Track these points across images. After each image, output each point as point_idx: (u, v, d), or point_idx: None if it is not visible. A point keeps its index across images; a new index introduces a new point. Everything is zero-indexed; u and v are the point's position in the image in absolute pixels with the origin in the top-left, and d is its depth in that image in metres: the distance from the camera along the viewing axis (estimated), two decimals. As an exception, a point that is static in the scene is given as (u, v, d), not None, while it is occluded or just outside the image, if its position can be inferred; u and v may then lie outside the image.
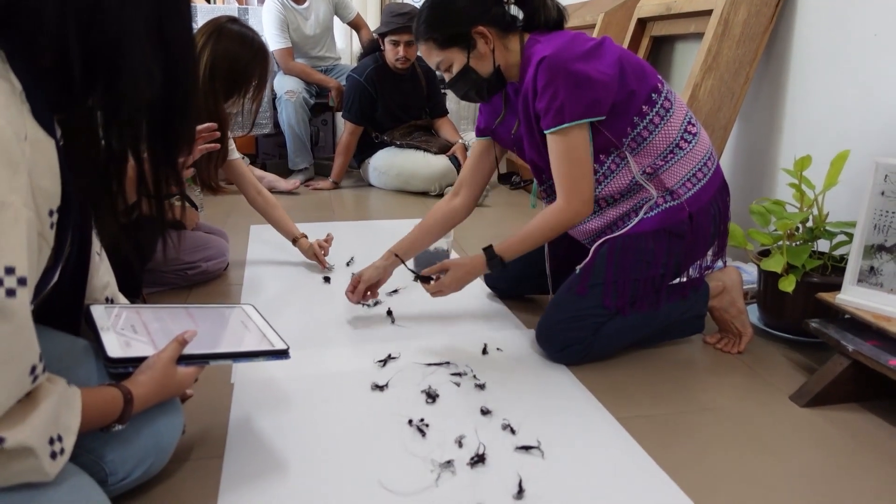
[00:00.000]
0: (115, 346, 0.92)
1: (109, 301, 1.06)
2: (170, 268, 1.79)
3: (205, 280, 1.89)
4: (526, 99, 1.43)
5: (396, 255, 1.66)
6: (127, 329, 0.99)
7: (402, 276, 1.98)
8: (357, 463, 1.08)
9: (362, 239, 2.43)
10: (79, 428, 0.77)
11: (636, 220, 1.45)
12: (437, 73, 3.66)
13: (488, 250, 1.48)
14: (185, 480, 1.03)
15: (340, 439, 1.15)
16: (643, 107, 1.41)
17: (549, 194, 1.61)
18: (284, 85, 3.39)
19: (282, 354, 1.05)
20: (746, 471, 1.11)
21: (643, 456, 1.13)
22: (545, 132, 1.40)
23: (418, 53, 3.24)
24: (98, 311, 0.99)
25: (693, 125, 1.47)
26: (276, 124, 3.50)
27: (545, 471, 1.08)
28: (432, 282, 1.54)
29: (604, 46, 1.39)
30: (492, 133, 1.64)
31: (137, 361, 0.92)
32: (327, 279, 1.95)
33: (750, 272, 1.87)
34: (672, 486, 1.05)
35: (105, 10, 0.72)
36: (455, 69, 1.46)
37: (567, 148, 1.38)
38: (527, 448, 1.13)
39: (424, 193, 3.20)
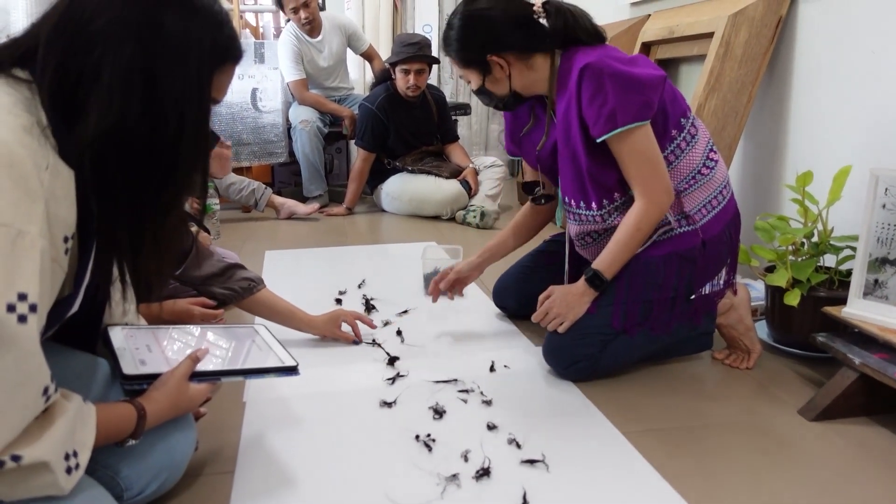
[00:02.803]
0: (129, 364, 0.96)
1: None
2: (187, 292, 1.83)
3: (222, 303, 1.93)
4: (568, 108, 1.40)
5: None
6: (142, 348, 1.03)
7: (412, 296, 2.02)
8: (364, 477, 1.10)
9: (375, 262, 2.47)
10: (94, 443, 0.80)
11: (648, 243, 1.46)
12: (449, 99, 3.77)
13: (587, 270, 1.45)
14: (197, 495, 1.06)
15: (348, 455, 1.17)
16: (672, 130, 1.43)
17: (571, 216, 1.56)
18: (299, 115, 3.47)
19: (291, 371, 1.09)
20: (754, 484, 1.11)
21: (649, 469, 1.14)
22: (598, 140, 1.36)
23: (428, 81, 3.32)
24: (115, 332, 1.04)
25: (714, 152, 1.50)
26: (292, 153, 3.59)
27: (550, 484, 1.09)
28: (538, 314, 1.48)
29: (647, 61, 1.42)
30: (518, 146, 1.66)
31: (152, 378, 0.96)
32: (339, 301, 1.99)
33: (758, 289, 1.87)
34: (678, 498, 1.06)
35: (88, 39, 0.76)
36: (473, 86, 1.52)
37: (630, 149, 1.36)
38: (532, 462, 1.14)
39: (436, 218, 3.24)
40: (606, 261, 1.43)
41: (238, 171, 3.38)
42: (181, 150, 0.84)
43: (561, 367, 1.46)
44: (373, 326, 1.71)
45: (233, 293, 1.60)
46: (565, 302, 1.45)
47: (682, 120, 1.44)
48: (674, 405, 1.38)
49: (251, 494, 1.05)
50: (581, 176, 1.46)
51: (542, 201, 1.68)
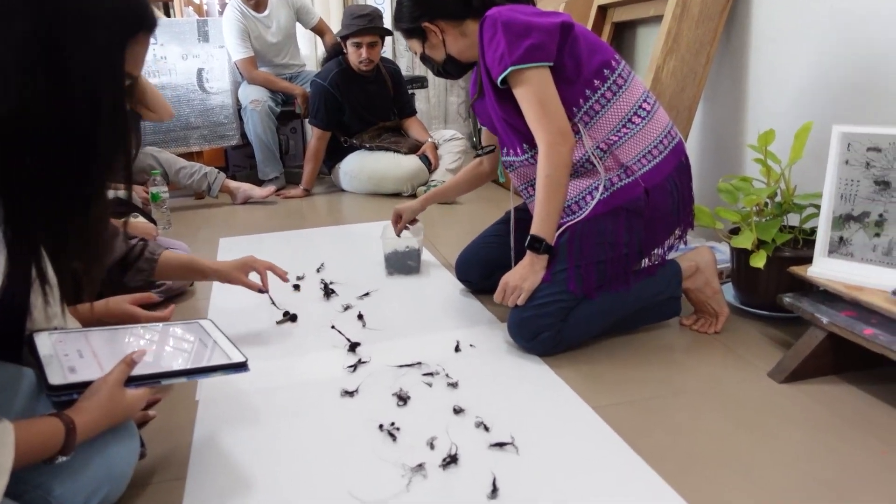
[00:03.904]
0: (56, 373, 0.88)
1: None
2: (131, 286, 1.71)
3: (170, 296, 1.84)
4: (480, 60, 1.48)
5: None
6: (72, 354, 0.95)
7: (373, 278, 1.95)
8: (326, 474, 1.05)
9: (336, 244, 2.39)
10: (12, 465, 0.72)
11: (592, 203, 1.44)
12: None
13: (529, 239, 1.42)
14: (145, 506, 0.99)
15: (309, 451, 1.11)
16: (594, 80, 1.44)
17: (507, 166, 1.60)
18: (249, 94, 3.33)
19: (240, 367, 1.02)
20: (726, 452, 1.09)
21: (620, 444, 1.10)
22: (498, 82, 1.41)
23: (381, 54, 3.21)
24: (41, 338, 0.95)
25: (648, 103, 1.48)
26: (244, 135, 3.45)
27: (520, 467, 1.05)
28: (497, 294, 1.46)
29: (557, 13, 1.45)
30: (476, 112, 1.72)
31: (82, 387, 0.88)
32: (297, 287, 1.91)
33: (724, 251, 1.85)
34: (650, 472, 1.03)
35: None
36: (417, 54, 1.65)
37: (522, 90, 1.39)
38: (500, 445, 1.10)
39: (397, 195, 3.16)
40: (537, 221, 1.42)
41: (188, 156, 3.24)
42: (98, 133, 0.76)
43: (525, 341, 1.42)
44: (285, 279, 1.61)
45: (143, 274, 1.47)
46: (519, 275, 1.43)
47: (605, 70, 1.45)
48: (643, 376, 1.35)
49: (203, 501, 0.99)
50: (501, 123, 1.51)
51: (481, 152, 1.84)
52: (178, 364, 1.01)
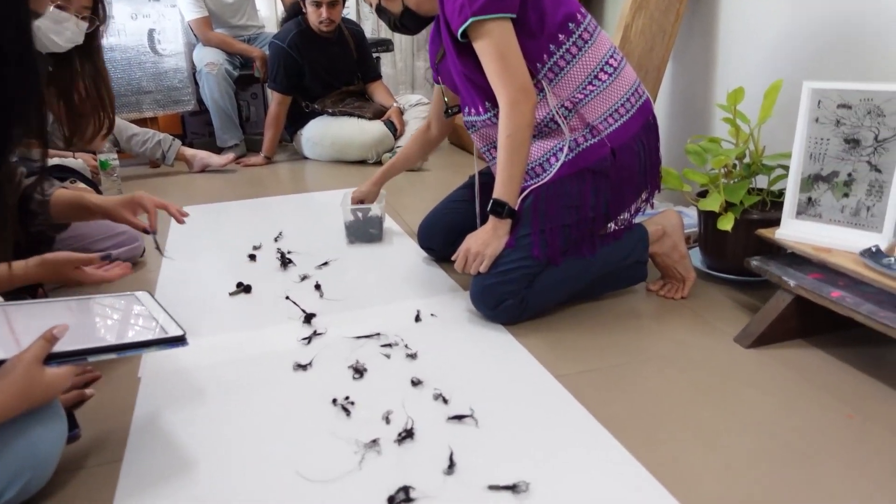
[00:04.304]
0: (-35, 352, 0.80)
1: None
2: (32, 232, 1.56)
3: (117, 268, 1.74)
4: (443, 15, 1.41)
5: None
6: (-14, 330, 0.87)
7: (333, 247, 1.88)
8: (274, 453, 0.99)
9: (297, 212, 2.30)
10: None
11: (557, 164, 1.38)
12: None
13: (491, 203, 1.37)
14: (75, 492, 0.92)
15: (256, 429, 1.05)
16: (559, 35, 1.36)
17: (469, 127, 1.54)
18: (204, 57, 3.18)
19: (177, 342, 0.95)
20: (691, 418, 1.06)
21: (583, 414, 1.06)
22: (458, 35, 1.34)
23: (344, 15, 3.08)
24: (-47, 314, 0.87)
25: (615, 59, 1.42)
26: (201, 101, 3.30)
27: (479, 440, 1.00)
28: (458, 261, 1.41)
29: None
30: (438, 72, 1.63)
31: (-6, 366, 0.80)
32: (252, 257, 1.83)
33: (691, 215, 1.81)
34: (613, 442, 0.99)
35: None
36: (373, 6, 1.56)
37: (483, 43, 1.31)
38: (459, 418, 1.05)
39: (362, 162, 3.07)
40: (499, 184, 1.36)
41: (142, 122, 3.09)
42: (4, 77, 0.68)
43: (488, 310, 1.37)
44: (180, 221, 1.46)
45: (39, 217, 1.33)
46: (481, 240, 1.37)
47: (570, 24, 1.37)
48: (609, 343, 1.31)
49: (139, 486, 0.92)
50: (462, 80, 1.44)
51: (450, 112, 1.69)
52: (108, 339, 0.93)
